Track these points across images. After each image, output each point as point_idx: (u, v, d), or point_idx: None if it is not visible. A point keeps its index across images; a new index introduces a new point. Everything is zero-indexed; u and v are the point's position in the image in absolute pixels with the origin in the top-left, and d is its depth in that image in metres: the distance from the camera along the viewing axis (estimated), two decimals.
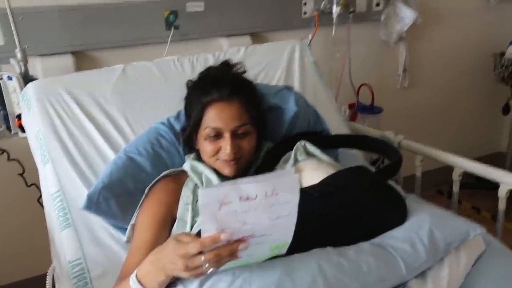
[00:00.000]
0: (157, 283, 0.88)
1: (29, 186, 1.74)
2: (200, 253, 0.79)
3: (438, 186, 2.87)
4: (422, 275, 0.99)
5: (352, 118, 2.58)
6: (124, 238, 1.20)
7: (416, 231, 1.02)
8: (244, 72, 1.25)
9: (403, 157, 1.28)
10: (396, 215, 1.07)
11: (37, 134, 1.34)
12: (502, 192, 1.30)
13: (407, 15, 2.48)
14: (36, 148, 1.35)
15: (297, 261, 0.91)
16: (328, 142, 1.38)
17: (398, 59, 2.67)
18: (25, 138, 1.46)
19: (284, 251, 0.87)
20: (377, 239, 1.01)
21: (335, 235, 0.99)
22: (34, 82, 1.41)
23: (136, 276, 0.91)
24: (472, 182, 2.10)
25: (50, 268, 1.34)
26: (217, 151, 1.15)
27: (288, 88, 1.39)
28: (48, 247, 1.34)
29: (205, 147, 1.16)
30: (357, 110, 2.53)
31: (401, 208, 1.09)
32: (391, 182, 1.27)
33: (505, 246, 1.14)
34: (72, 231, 1.23)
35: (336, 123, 1.58)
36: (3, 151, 1.78)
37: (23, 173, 1.80)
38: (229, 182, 0.76)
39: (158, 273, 0.87)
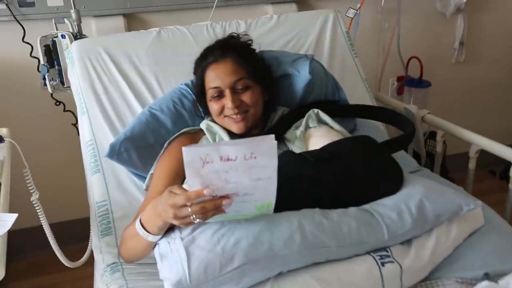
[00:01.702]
0: (156, 227, 0.98)
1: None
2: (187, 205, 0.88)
3: (491, 167, 2.77)
4: (408, 242, 1.03)
5: (399, 91, 2.54)
6: (143, 185, 1.33)
7: (406, 200, 1.04)
8: (249, 41, 1.34)
9: (416, 129, 1.28)
10: (390, 186, 1.09)
11: (77, 88, 1.49)
12: None
13: None
14: (77, 101, 1.50)
15: (280, 218, 0.98)
16: (343, 112, 1.41)
17: (455, 32, 2.56)
18: None
19: (271, 211, 0.95)
20: (366, 206, 1.05)
21: (326, 199, 1.04)
22: (77, 41, 1.56)
23: (140, 220, 1.02)
24: None
25: None
26: (222, 109, 1.24)
27: (306, 56, 1.42)
28: None
29: (212, 107, 1.26)
30: (404, 83, 2.48)
31: (396, 179, 1.11)
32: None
33: (507, 224, 1.13)
34: (101, 176, 1.38)
35: (360, 94, 1.60)
36: (60, 102, 1.98)
37: (76, 123, 1.99)
38: (211, 144, 0.83)
39: (156, 219, 0.97)
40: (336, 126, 1.29)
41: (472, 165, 1.44)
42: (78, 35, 1.74)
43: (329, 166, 1.08)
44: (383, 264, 0.97)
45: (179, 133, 1.32)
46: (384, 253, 0.99)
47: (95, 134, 1.43)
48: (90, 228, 1.41)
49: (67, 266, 1.36)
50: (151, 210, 0.98)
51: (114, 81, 1.50)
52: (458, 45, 2.58)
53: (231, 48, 1.26)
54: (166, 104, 1.38)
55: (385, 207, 1.03)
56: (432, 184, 1.12)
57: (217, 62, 1.24)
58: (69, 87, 1.74)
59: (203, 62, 1.28)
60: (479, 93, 2.72)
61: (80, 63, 1.49)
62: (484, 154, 1.42)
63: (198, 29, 1.63)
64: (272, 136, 0.83)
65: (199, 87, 1.30)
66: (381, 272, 0.96)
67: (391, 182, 1.10)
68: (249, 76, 1.24)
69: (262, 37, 1.62)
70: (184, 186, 0.94)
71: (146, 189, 1.30)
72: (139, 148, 1.32)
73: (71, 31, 1.75)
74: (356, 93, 1.56)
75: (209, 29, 1.64)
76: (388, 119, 1.44)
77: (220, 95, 1.24)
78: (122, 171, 1.39)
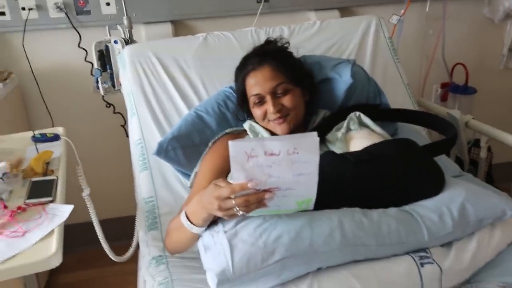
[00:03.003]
0: (201, 219, 1.03)
1: (127, 137, 2.01)
2: (231, 197, 0.92)
3: None
4: (448, 245, 1.03)
5: (443, 97, 2.50)
6: (188, 183, 1.38)
7: (448, 203, 1.05)
8: (286, 43, 1.38)
9: (458, 135, 1.27)
10: (431, 187, 1.10)
11: (128, 91, 1.57)
12: None
13: None
14: (128, 103, 1.58)
15: (321, 215, 1.00)
16: (384, 115, 1.42)
17: (504, 38, 2.50)
18: None
19: (311, 207, 0.97)
20: (407, 207, 1.06)
21: (366, 199, 1.06)
22: (129, 46, 1.64)
23: (186, 212, 1.08)
24: None
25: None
26: (265, 114, 1.28)
27: (348, 61, 1.44)
28: None
29: (255, 113, 1.31)
30: (449, 89, 2.45)
31: (437, 181, 1.11)
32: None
33: None
34: (148, 173, 1.45)
35: (402, 99, 1.60)
36: (110, 104, 2.08)
37: (124, 124, 2.09)
38: (255, 138, 0.87)
39: (201, 211, 1.02)
40: (377, 129, 1.31)
41: None
42: (129, 41, 1.84)
43: (369, 166, 1.09)
44: (422, 264, 0.97)
45: (223, 132, 1.37)
46: (423, 253, 0.99)
47: (143, 134, 1.50)
48: (134, 226, 1.48)
49: (113, 261, 1.42)
50: (197, 202, 1.03)
51: (162, 84, 1.57)
52: (507, 52, 2.52)
53: (268, 55, 1.30)
54: (211, 106, 1.44)
55: (426, 209, 1.04)
56: (475, 187, 1.12)
57: (255, 70, 1.28)
58: (119, 90, 1.84)
59: (242, 71, 1.33)
60: None
61: (131, 67, 1.58)
62: None
63: (242, 35, 1.68)
64: (315, 133, 0.85)
65: (241, 94, 1.34)
66: (420, 273, 0.96)
67: (432, 184, 1.10)
68: (288, 80, 1.28)
69: (305, 43, 1.66)
70: (228, 180, 0.99)
71: (191, 187, 1.36)
72: (185, 147, 1.37)
73: (123, 37, 1.84)
74: (398, 98, 1.56)
75: (254, 34, 1.69)
76: (430, 124, 1.44)
77: (261, 101, 1.28)
78: (169, 169, 1.45)
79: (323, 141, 1.31)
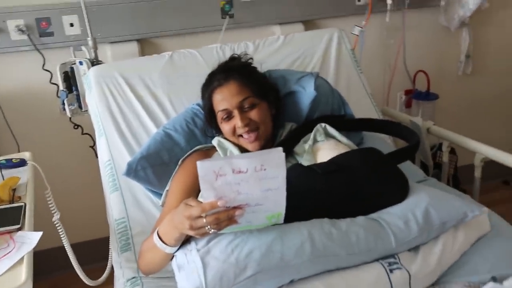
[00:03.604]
0: (173, 239, 1.04)
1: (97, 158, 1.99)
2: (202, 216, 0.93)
3: (505, 177, 2.79)
4: (415, 249, 1.06)
5: (407, 104, 2.58)
6: (159, 202, 1.38)
7: (412, 209, 1.08)
8: (250, 59, 1.41)
9: (421, 141, 1.32)
10: (396, 195, 1.13)
11: (95, 112, 1.57)
12: None
13: (470, 0, 2.41)
14: (95, 124, 1.58)
15: (291, 228, 1.02)
16: (349, 126, 1.46)
17: (461, 45, 2.60)
18: None
19: (281, 220, 0.99)
20: (374, 215, 1.09)
21: (334, 210, 1.09)
22: (94, 67, 1.64)
23: (158, 232, 1.08)
24: None
25: None
26: (234, 129, 1.30)
27: (312, 74, 1.48)
28: None
29: (224, 128, 1.33)
30: (412, 96, 2.53)
31: (401, 188, 1.15)
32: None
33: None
34: (119, 194, 1.44)
35: (367, 109, 1.64)
36: (78, 126, 2.06)
37: (93, 145, 2.07)
38: (223, 158, 0.89)
39: (173, 231, 1.02)
40: (343, 139, 1.34)
41: (477, 173, 1.47)
42: (95, 61, 1.83)
43: (336, 177, 1.12)
44: (391, 270, 1.00)
45: (192, 150, 1.38)
46: (392, 260, 1.02)
47: (112, 155, 1.50)
48: (109, 247, 1.47)
49: (88, 285, 1.40)
50: (168, 222, 1.03)
51: (129, 103, 1.57)
52: (464, 58, 2.62)
53: (233, 70, 1.33)
54: (180, 124, 1.45)
55: (392, 216, 1.07)
56: (437, 192, 1.16)
57: (221, 86, 1.31)
58: (86, 111, 1.82)
59: (208, 87, 1.35)
60: (485, 105, 2.74)
61: (97, 88, 1.57)
62: (496, 165, 1.45)
63: (208, 52, 1.70)
64: (280, 148, 0.88)
65: (208, 111, 1.36)
66: (389, 279, 0.99)
67: (397, 191, 1.14)
68: (254, 94, 1.30)
69: (270, 57, 1.69)
70: (199, 199, 1.00)
71: (162, 205, 1.36)
72: (155, 166, 1.38)
73: (88, 57, 1.83)
74: (362, 108, 1.61)
75: (219, 51, 1.71)
76: (394, 132, 1.49)
77: (229, 116, 1.30)
78: (139, 189, 1.45)
79: (291, 153, 1.34)
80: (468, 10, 2.44)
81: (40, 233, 1.08)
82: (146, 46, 2.14)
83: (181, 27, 2.14)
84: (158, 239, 1.06)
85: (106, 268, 1.54)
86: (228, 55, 1.68)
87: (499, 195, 2.63)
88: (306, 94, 1.43)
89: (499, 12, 2.58)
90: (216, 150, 1.37)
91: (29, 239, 1.07)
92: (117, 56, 2.01)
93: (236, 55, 1.42)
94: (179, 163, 1.36)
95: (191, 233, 0.96)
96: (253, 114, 1.29)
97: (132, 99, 1.57)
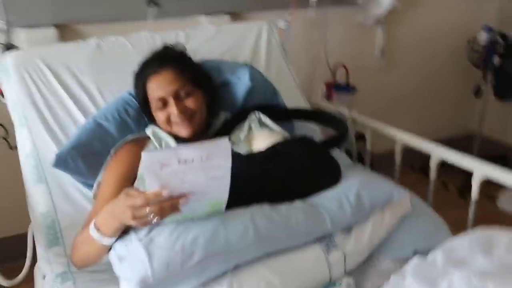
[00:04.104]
0: (112, 230, 1.01)
1: (12, 149, 1.86)
2: (145, 205, 0.91)
3: (410, 161, 3.00)
4: (348, 229, 1.12)
5: (328, 96, 2.70)
6: (91, 193, 1.33)
7: (345, 192, 1.15)
8: (184, 49, 1.40)
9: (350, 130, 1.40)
10: (330, 180, 1.19)
11: (15, 101, 1.46)
12: (475, 180, 1.40)
13: (384, 1, 2.57)
14: (15, 114, 1.47)
15: (233, 214, 1.04)
16: (282, 115, 1.50)
17: (375, 42, 2.76)
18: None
19: (222, 209, 1.01)
20: (310, 199, 1.14)
21: (273, 195, 1.12)
22: (13, 53, 1.53)
23: (94, 224, 1.04)
24: None
25: (30, 225, 1.49)
26: (169, 118, 1.29)
27: (246, 65, 1.51)
28: None
29: (159, 117, 1.31)
30: (333, 89, 2.64)
31: (335, 173, 1.21)
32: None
33: (431, 210, 1.27)
34: (44, 186, 1.37)
35: (297, 100, 1.70)
36: None
37: (7, 136, 1.92)
38: (169, 148, 0.89)
39: (112, 221, 1.00)
40: (276, 128, 1.38)
41: (398, 159, 1.58)
42: (9, 46, 1.71)
43: (274, 164, 1.16)
44: (328, 252, 1.06)
45: (124, 139, 1.34)
46: (328, 241, 1.08)
47: (36, 146, 1.41)
48: (23, 245, 1.39)
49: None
50: (107, 213, 1.01)
51: (55, 93, 1.48)
52: (379, 54, 2.79)
53: (168, 58, 1.32)
54: (111, 113, 1.40)
55: (327, 199, 1.13)
56: (367, 176, 1.24)
57: (156, 73, 1.28)
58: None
59: (143, 75, 1.32)
60: (399, 98, 2.94)
61: (17, 75, 1.46)
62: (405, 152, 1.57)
63: (137, 40, 1.65)
64: (226, 139, 0.89)
65: (142, 99, 1.33)
66: (327, 259, 1.05)
67: (331, 177, 1.20)
68: (190, 82, 1.30)
69: (201, 48, 1.68)
70: (136, 188, 0.98)
71: (94, 197, 1.31)
72: (85, 156, 1.33)
73: (2, 42, 1.71)
74: (292, 99, 1.65)
75: (149, 39, 1.67)
76: (324, 121, 1.56)
77: (164, 104, 1.28)
78: (67, 181, 1.39)
79: None
80: (382, 10, 2.60)
81: None
82: (66, 33, 2.02)
83: (104, 14, 2.05)
84: (95, 230, 1.03)
85: (24, 268, 1.46)
86: (158, 43, 1.65)
87: (405, 179, 2.83)
88: (241, 84, 1.45)
89: (409, 12, 2.77)
90: (150, 140, 1.34)
91: None
92: (33, 42, 1.87)
93: (169, 45, 1.40)
94: (111, 152, 1.32)
95: (132, 223, 0.95)
96: (189, 102, 1.29)
97: (58, 88, 1.49)
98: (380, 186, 1.20)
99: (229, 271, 0.98)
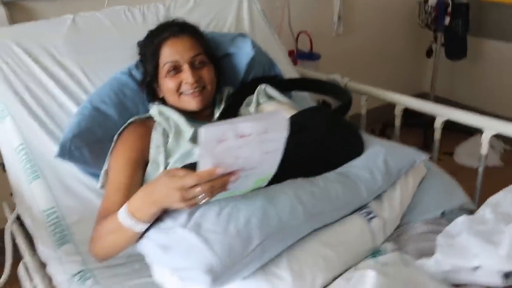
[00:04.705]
0: (148, 215, 0.94)
1: None
2: (195, 185, 0.85)
3: (370, 126, 3.09)
4: (378, 197, 1.13)
5: (293, 63, 2.67)
6: (97, 184, 1.23)
7: (374, 160, 1.14)
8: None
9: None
10: (355, 148, 1.19)
11: None
12: (437, 123, 1.49)
13: None
14: None
15: (275, 191, 1.00)
16: (283, 86, 1.46)
17: (333, 8, 2.77)
18: None
19: (265, 183, 0.96)
20: (340, 169, 1.12)
21: (304, 168, 1.09)
22: None
23: (127, 210, 0.96)
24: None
25: (7, 224, 1.36)
26: (179, 86, 1.22)
27: (243, 35, 1.45)
28: None
29: (168, 84, 1.23)
30: (296, 56, 2.63)
31: (359, 141, 1.21)
32: None
33: (441, 170, 1.31)
34: (42, 181, 1.24)
35: (285, 68, 1.66)
36: None
37: None
38: (227, 121, 0.82)
39: (150, 206, 0.93)
40: (284, 99, 1.34)
41: (398, 123, 1.61)
42: None
43: (301, 137, 1.12)
44: (369, 220, 1.05)
45: (128, 122, 1.24)
46: (367, 209, 1.08)
47: (25, 137, 1.27)
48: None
49: None
50: (143, 198, 0.95)
51: (34, 77, 1.34)
52: (336, 20, 2.80)
53: (188, 26, 1.27)
54: (108, 95, 1.29)
55: (357, 168, 1.12)
56: (388, 143, 1.25)
57: (175, 37, 1.23)
58: None
59: (158, 37, 1.24)
60: (357, 62, 2.99)
61: None
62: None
63: (115, 14, 1.52)
64: (282, 112, 0.84)
65: (151, 65, 1.25)
66: (370, 228, 1.05)
67: (356, 145, 1.19)
68: (204, 53, 1.25)
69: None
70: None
71: (103, 186, 1.21)
72: (89, 144, 1.22)
73: None
74: (282, 67, 1.60)
75: (127, 13, 1.54)
76: (327, 91, 1.53)
77: (176, 69, 1.21)
78: (67, 173, 1.27)
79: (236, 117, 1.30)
80: None
81: None
82: (16, 11, 1.82)
83: None
84: (128, 217, 0.95)
85: (5, 269, 1.35)
86: (138, 18, 1.55)
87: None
88: (243, 54, 1.39)
89: None
90: (153, 120, 1.26)
91: None
92: None
93: (179, 18, 1.33)
94: (116, 137, 1.22)
95: (180, 205, 0.88)
96: (204, 72, 1.24)
97: (37, 71, 1.34)
98: (403, 151, 1.21)
99: (285, 250, 0.95)
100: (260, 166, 0.89)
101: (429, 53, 2.97)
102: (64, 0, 1.89)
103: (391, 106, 1.63)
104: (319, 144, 1.13)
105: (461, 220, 0.99)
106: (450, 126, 1.51)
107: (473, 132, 2.24)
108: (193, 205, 0.88)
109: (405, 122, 1.65)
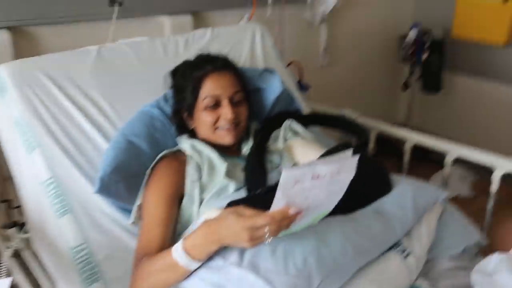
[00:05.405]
0: (206, 254, 0.95)
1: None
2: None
3: None
4: (408, 233, 1.18)
5: None
6: (129, 220, 1.22)
7: (403, 197, 1.20)
8: None
9: None
10: (384, 187, 1.24)
11: (18, 121, 1.27)
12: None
13: None
14: (18, 135, 1.28)
15: (323, 229, 1.03)
16: (307, 121, 1.51)
17: (320, 40, 2.87)
18: None
19: (317, 221, 0.98)
20: (374, 206, 1.17)
21: (340, 206, 1.13)
22: (6, 64, 1.31)
23: (183, 248, 0.96)
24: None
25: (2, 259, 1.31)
26: (217, 120, 1.24)
27: (270, 71, 1.49)
28: None
29: (205, 118, 1.25)
30: None
31: (386, 179, 1.26)
32: None
33: (454, 206, 1.38)
34: (72, 217, 1.22)
35: (300, 103, 1.71)
36: None
37: None
38: (307, 164, 0.85)
39: (211, 244, 0.94)
40: (307, 135, 1.39)
41: (406, 159, 1.69)
42: None
43: None
44: (405, 257, 1.11)
45: (160, 156, 1.25)
46: (401, 247, 1.13)
47: (55, 171, 1.24)
48: None
49: None
50: (205, 236, 0.95)
51: (63, 109, 1.32)
52: (322, 51, 2.90)
53: (229, 61, 1.30)
54: (139, 129, 1.30)
55: (389, 205, 1.18)
56: (412, 181, 1.31)
57: (218, 72, 1.25)
58: None
59: (199, 70, 1.25)
60: (339, 94, 3.10)
61: (17, 91, 1.27)
62: None
63: (137, 46, 1.53)
64: (350, 152, 0.88)
65: (191, 98, 1.26)
66: (406, 264, 1.10)
67: (385, 184, 1.25)
68: (242, 91, 1.28)
69: (203, 52, 1.60)
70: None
71: (135, 221, 1.20)
72: (126, 179, 1.22)
73: None
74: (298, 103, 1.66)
75: (150, 45, 1.55)
76: (348, 128, 1.58)
77: (216, 104, 1.23)
78: (95, 208, 1.25)
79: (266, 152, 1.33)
80: (327, 8, 2.71)
81: None
82: (20, 36, 1.78)
83: (62, 15, 1.83)
84: (184, 255, 0.96)
85: None
86: (160, 50, 1.56)
87: None
88: (272, 90, 1.43)
89: (347, 11, 2.92)
90: (183, 153, 1.27)
91: None
92: None
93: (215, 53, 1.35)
94: (148, 171, 1.22)
95: (246, 244, 0.90)
96: (242, 110, 1.27)
97: (66, 104, 1.32)
98: (427, 189, 1.28)
99: None
100: (321, 205, 0.92)
101: (405, 86, 3.12)
102: (68, 25, 1.87)
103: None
104: (353, 183, 1.18)
105: (498, 258, 1.05)
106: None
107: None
108: (257, 245, 0.90)
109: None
